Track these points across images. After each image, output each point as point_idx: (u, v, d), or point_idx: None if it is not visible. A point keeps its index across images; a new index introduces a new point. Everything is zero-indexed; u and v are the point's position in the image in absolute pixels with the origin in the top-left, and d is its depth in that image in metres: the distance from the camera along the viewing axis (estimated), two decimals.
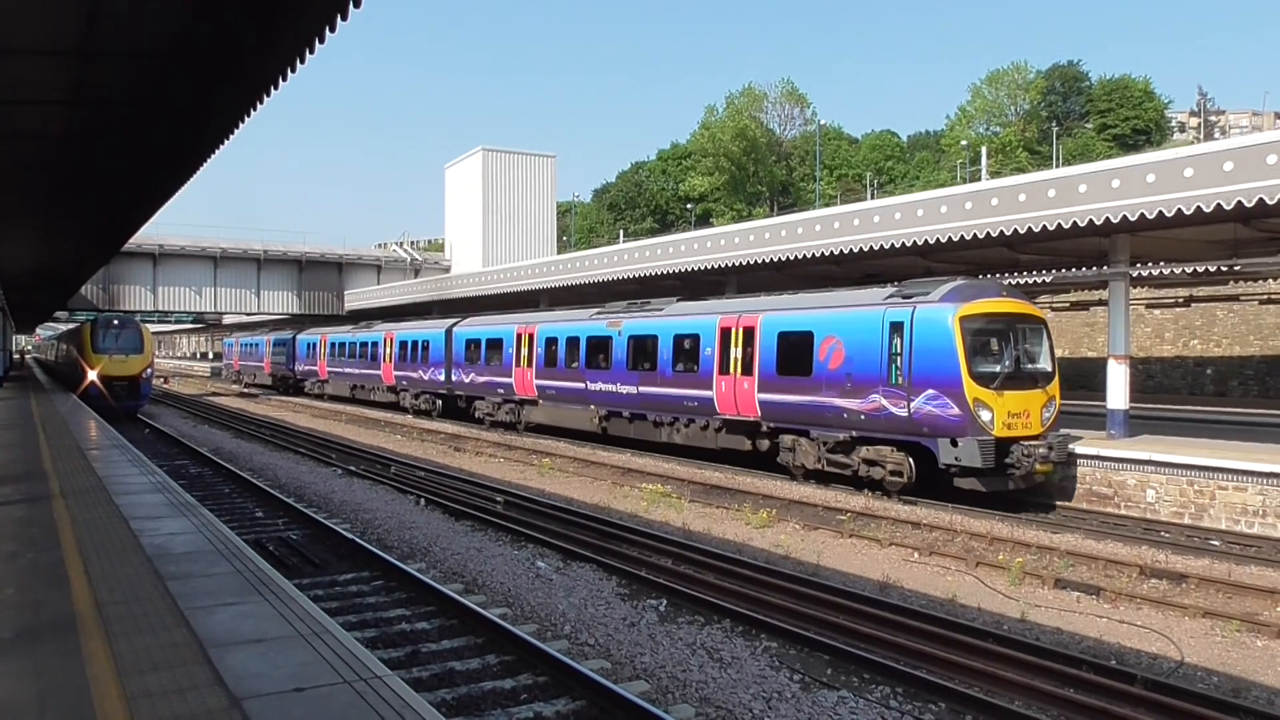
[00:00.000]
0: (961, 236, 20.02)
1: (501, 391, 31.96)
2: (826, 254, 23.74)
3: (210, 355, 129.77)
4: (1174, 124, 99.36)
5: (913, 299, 17.89)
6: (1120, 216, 17.03)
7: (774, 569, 12.36)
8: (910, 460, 17.68)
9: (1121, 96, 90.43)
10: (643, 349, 25.09)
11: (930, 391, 16.92)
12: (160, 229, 50.60)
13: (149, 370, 36.78)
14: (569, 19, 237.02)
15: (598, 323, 27.20)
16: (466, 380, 34.36)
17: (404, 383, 40.08)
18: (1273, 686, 8.71)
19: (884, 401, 17.71)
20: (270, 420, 37.64)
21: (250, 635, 5.98)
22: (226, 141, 12.71)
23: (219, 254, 54.15)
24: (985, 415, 16.51)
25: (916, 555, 13.88)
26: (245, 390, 64.05)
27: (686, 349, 23.24)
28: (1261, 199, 14.95)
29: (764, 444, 21.26)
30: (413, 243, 78.53)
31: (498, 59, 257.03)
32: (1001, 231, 19.23)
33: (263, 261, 55.46)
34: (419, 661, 8.72)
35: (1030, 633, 10.10)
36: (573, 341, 28.10)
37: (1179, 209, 16.16)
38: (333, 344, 48.86)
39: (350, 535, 14.02)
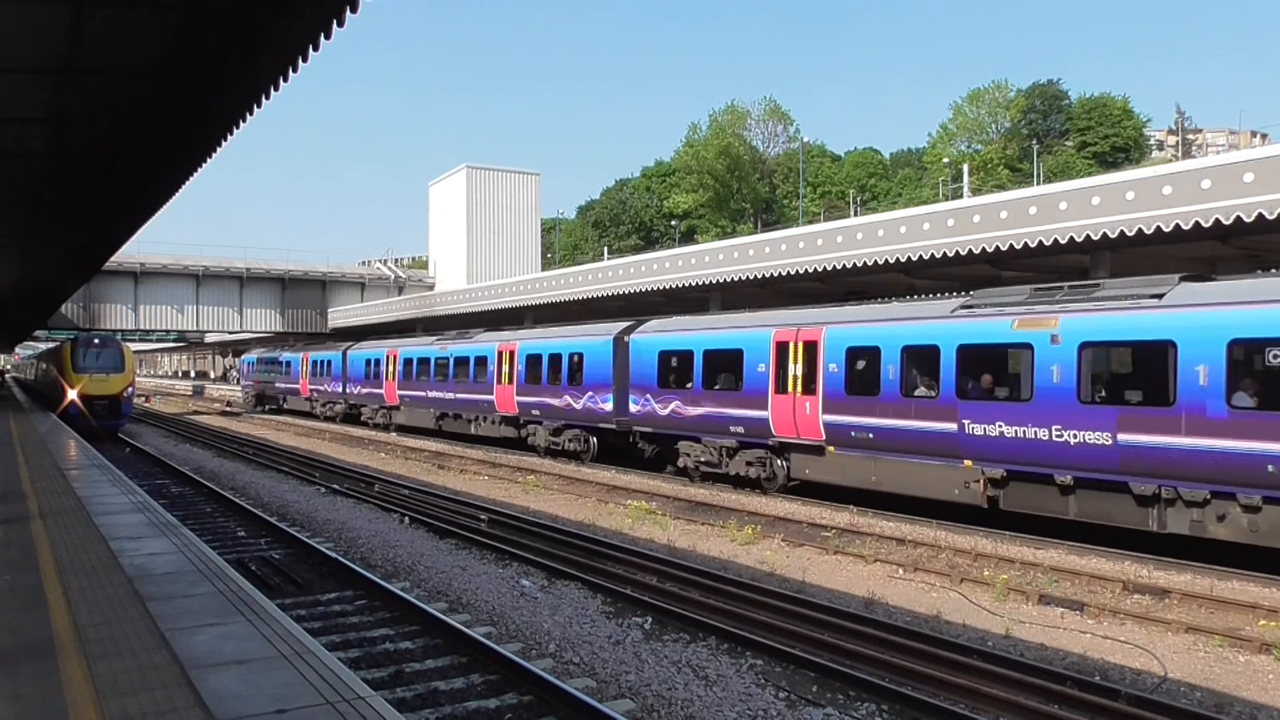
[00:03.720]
0: (945, 253, 20.19)
1: (742, 429, 20.82)
2: (811, 271, 23.90)
3: (193, 374, 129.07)
4: (1153, 142, 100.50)
5: None
6: (1101, 234, 17.23)
7: (759, 586, 12.34)
8: None
9: (1101, 115, 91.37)
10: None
11: None
12: (142, 247, 50.41)
13: (130, 389, 36.48)
14: (553, 37, 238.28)
15: (1029, 331, 15.42)
16: (662, 412, 23.14)
17: (535, 412, 29.24)
18: (1255, 701, 8.75)
19: None
20: (253, 439, 37.40)
21: (232, 656, 5.92)
22: (209, 159, 12.71)
23: (201, 272, 53.87)
24: None
25: (901, 572, 13.89)
26: (228, 411, 63.42)
27: None
28: (1239, 216, 15.15)
29: None
30: (396, 260, 78.39)
31: (481, 77, 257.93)
32: (984, 248, 19.40)
33: (245, 279, 55.21)
34: (403, 681, 8.66)
35: (1015, 649, 10.11)
36: (978, 353, 16.35)
37: (1158, 226, 16.36)
38: (408, 360, 38.33)
39: (333, 554, 13.92)
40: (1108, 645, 10.39)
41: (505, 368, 30.63)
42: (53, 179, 14.27)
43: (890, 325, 17.99)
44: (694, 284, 28.31)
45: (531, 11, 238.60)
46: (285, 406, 54.69)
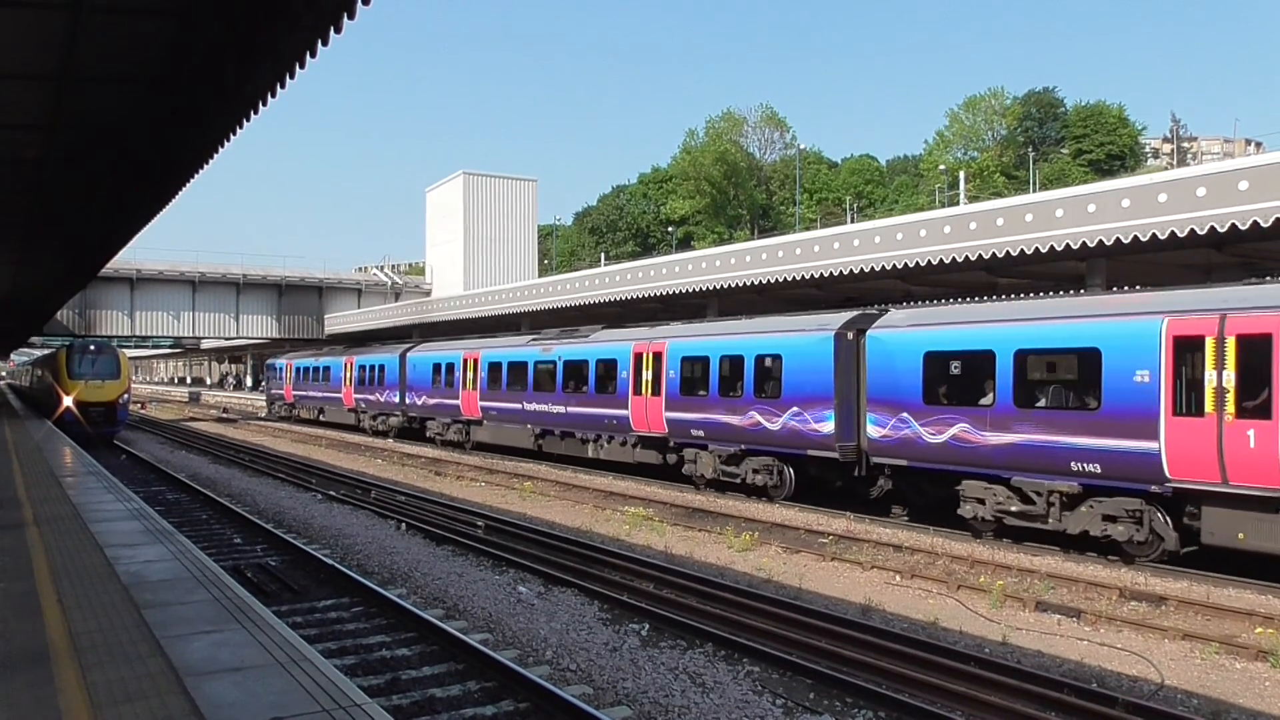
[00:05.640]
0: (941, 260, 20.24)
1: (1098, 466, 14.26)
2: (808, 277, 23.95)
3: (189, 380, 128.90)
4: (1148, 150, 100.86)
5: None
6: (1096, 241, 17.28)
7: (756, 592, 12.33)
8: None
9: (1096, 122, 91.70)
10: None
11: None
12: (138, 253, 50.50)
13: (126, 396, 36.42)
14: (550, 42, 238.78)
15: None
16: (932, 438, 16.49)
17: (696, 432, 22.20)
18: (1252, 708, 8.74)
19: None
20: (249, 445, 37.33)
21: (227, 664, 5.91)
22: (206, 165, 12.70)
23: (197, 278, 53.90)
24: None
25: (898, 578, 13.89)
26: (224, 418, 63.10)
27: None
28: (1234, 224, 15.20)
29: None
30: (393, 266, 78.62)
31: (479, 83, 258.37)
32: (980, 255, 19.45)
33: (242, 285, 55.26)
34: (399, 689, 8.63)
35: (1012, 656, 10.10)
36: None
37: (1154, 234, 16.42)
38: (494, 365, 31.28)
39: (330, 561, 13.89)
40: (1104, 652, 10.39)
41: (648, 374, 23.74)
42: (48, 186, 14.25)
43: None
44: (692, 290, 28.35)
45: (529, 18, 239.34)
46: (323, 419, 47.66)
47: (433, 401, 35.62)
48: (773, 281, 25.27)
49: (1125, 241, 16.84)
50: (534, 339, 30.26)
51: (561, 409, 27.37)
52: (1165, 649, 10.56)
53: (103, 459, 24.15)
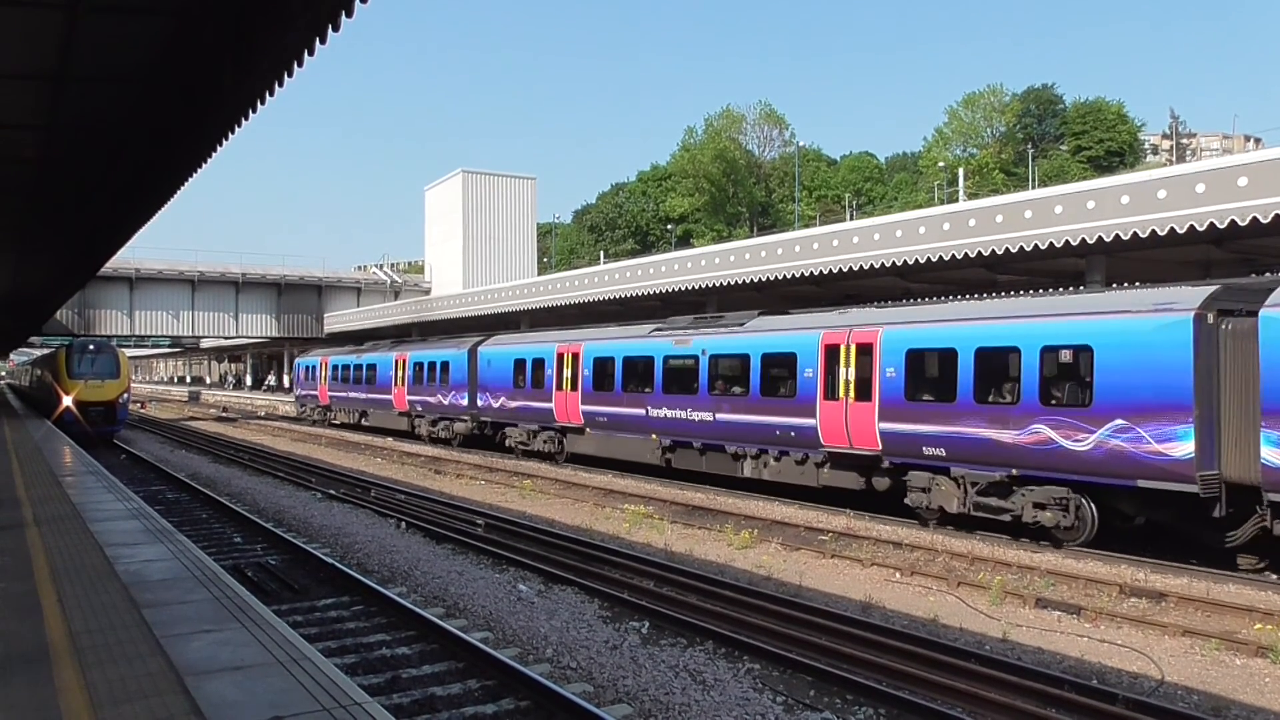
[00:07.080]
0: (940, 257, 20.25)
1: None
2: (807, 274, 23.96)
3: (188, 379, 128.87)
4: (1147, 146, 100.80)
5: None
6: (1096, 237, 17.29)
7: (756, 590, 12.33)
8: None
9: (1095, 119, 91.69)
10: None
11: None
12: (137, 253, 50.50)
13: (125, 395, 36.41)
14: (549, 40, 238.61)
15: None
16: None
17: (933, 449, 16.46)
18: (1252, 704, 8.75)
19: None
20: (249, 444, 37.32)
21: (228, 663, 5.90)
22: (205, 164, 12.69)
23: (197, 277, 53.91)
24: None
25: (898, 575, 13.89)
26: (224, 417, 62.93)
27: None
28: (1233, 220, 15.21)
29: None
30: (393, 265, 78.61)
31: (477, 81, 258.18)
32: (979, 252, 19.45)
33: (241, 285, 55.27)
34: (399, 687, 8.63)
35: (1012, 653, 10.11)
36: None
37: (1153, 230, 16.43)
38: (603, 360, 25.66)
39: (330, 560, 13.89)
40: (1105, 649, 10.39)
41: (848, 371, 18.10)
42: (46, 186, 14.24)
43: None
44: (691, 288, 28.36)
45: (528, 17, 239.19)
46: (367, 423, 42.52)
47: (514, 404, 29.84)
48: (772, 279, 25.29)
49: (1125, 238, 16.85)
50: (658, 328, 24.58)
51: (707, 416, 21.75)
52: (1165, 645, 10.57)
53: (102, 458, 24.15)
